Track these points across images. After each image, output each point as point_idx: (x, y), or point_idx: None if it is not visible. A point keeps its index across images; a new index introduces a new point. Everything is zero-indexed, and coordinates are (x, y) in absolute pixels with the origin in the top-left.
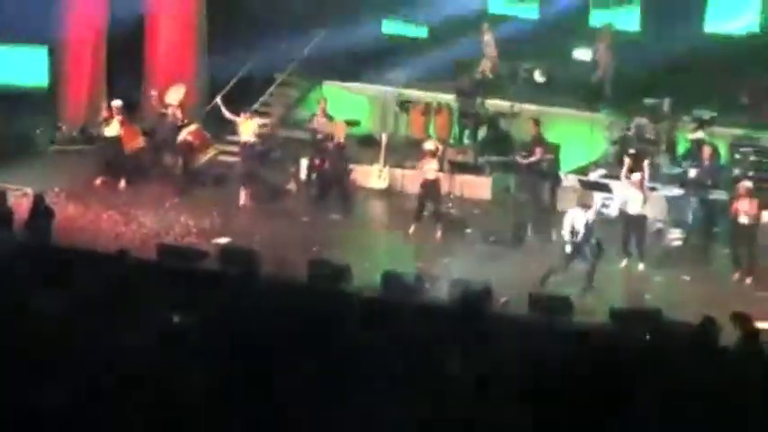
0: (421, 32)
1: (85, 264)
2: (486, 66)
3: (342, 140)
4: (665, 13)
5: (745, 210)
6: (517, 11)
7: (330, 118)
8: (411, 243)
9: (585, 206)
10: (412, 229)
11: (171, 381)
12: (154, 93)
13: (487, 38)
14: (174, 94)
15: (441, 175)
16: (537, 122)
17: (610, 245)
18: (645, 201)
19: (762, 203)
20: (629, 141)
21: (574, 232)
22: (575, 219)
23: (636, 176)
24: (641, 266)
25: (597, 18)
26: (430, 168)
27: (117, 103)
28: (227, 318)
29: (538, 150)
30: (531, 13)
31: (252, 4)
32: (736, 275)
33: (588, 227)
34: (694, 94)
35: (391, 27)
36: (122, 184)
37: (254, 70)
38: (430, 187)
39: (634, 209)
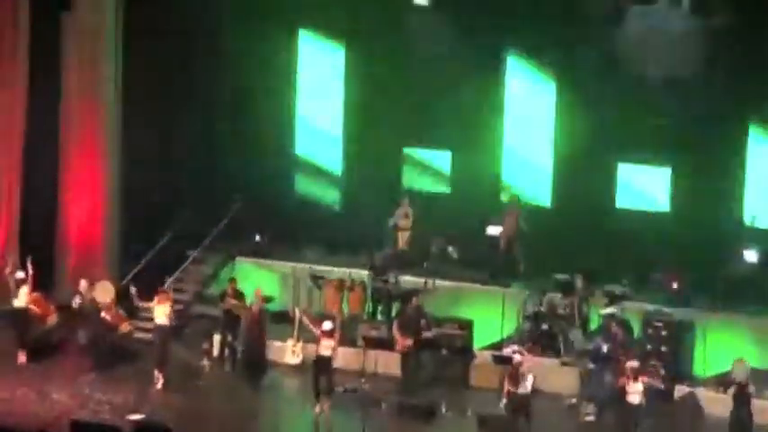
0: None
1: None
2: (401, 239)
3: (257, 311)
4: (576, 188)
5: (632, 390)
6: (430, 186)
7: (241, 295)
8: (326, 418)
9: None
10: (318, 408)
11: None
12: (81, 291)
13: (405, 211)
14: (102, 293)
15: (335, 352)
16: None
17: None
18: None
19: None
20: (542, 317)
21: None
22: None
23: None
24: None
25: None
26: (325, 346)
27: (20, 275)
28: None
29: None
30: (443, 187)
31: (163, 181)
32: None
33: None
34: (606, 270)
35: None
36: (22, 358)
37: (168, 247)
38: (323, 363)
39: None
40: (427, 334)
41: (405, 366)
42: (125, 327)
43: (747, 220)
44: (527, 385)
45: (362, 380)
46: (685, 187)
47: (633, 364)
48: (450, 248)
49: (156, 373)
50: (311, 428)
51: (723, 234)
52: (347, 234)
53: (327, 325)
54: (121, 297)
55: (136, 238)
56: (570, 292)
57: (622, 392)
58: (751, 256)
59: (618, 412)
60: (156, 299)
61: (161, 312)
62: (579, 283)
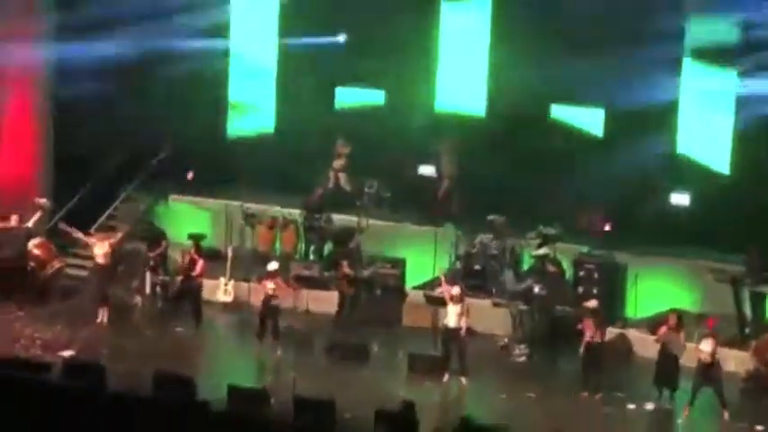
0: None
1: None
2: (339, 180)
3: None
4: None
5: (591, 329)
6: (364, 124)
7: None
8: (257, 357)
9: None
10: (257, 350)
11: None
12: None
13: (343, 151)
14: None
15: (284, 293)
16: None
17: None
18: (461, 314)
19: (606, 322)
20: (474, 257)
21: None
22: None
23: (455, 290)
24: (464, 381)
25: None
26: (271, 287)
27: None
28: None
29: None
30: (377, 126)
31: (97, 120)
32: (585, 394)
33: None
34: (539, 212)
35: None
36: None
37: (99, 185)
38: (270, 305)
39: (452, 322)
40: (361, 273)
41: (341, 305)
42: (56, 263)
43: None
44: (456, 319)
45: (295, 319)
46: (618, 127)
47: (591, 303)
48: (377, 186)
49: (99, 310)
50: (246, 366)
51: (654, 176)
52: (280, 173)
53: (272, 265)
54: (53, 236)
55: (69, 177)
56: (502, 234)
57: (580, 331)
58: (681, 198)
59: (580, 353)
60: (95, 238)
61: (100, 252)
62: (502, 224)
